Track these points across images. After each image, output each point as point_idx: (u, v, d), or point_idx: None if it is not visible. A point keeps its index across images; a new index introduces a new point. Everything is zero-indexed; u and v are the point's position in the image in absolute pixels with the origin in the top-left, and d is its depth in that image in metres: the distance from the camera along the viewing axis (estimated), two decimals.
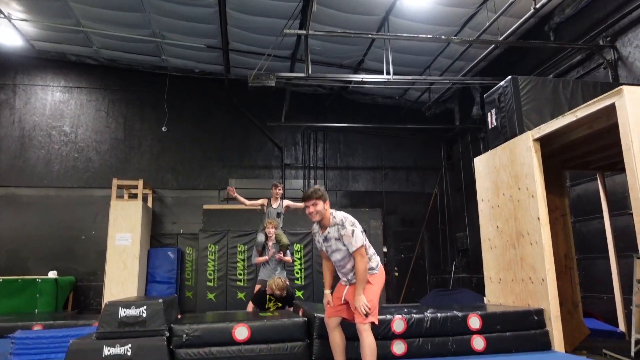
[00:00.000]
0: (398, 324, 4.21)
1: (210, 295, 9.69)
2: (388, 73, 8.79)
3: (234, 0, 8.38)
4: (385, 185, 12.22)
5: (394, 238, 11.68)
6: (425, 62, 10.40)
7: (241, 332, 4.04)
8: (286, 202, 7.28)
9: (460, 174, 11.63)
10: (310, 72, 8.35)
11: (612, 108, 3.90)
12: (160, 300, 4.07)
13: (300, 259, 10.05)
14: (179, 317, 5.29)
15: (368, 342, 3.40)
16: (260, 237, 6.84)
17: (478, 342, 4.30)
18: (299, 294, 9.88)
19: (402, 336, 4.21)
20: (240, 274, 9.85)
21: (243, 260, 9.93)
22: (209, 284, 9.76)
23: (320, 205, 3.52)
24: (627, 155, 3.72)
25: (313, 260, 9.76)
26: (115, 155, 11.29)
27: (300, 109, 11.71)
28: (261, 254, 6.85)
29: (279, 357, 4.05)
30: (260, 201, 7.34)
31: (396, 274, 11.29)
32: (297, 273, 9.99)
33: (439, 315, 4.31)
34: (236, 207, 10.84)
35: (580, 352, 5.11)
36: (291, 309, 6.30)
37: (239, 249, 9.97)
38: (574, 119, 4.30)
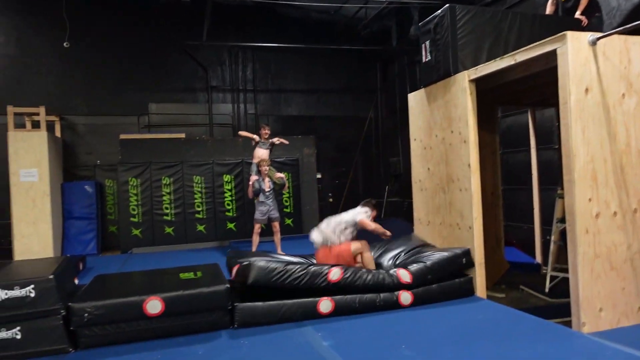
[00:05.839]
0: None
1: (136, 231, 9.17)
2: None
3: None
4: (319, 109, 11.68)
5: (328, 164, 11.45)
6: None
7: (154, 306, 3.66)
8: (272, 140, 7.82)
9: (395, 97, 11.30)
10: None
11: (552, 53, 3.57)
12: (51, 276, 3.54)
13: (230, 190, 9.64)
14: (76, 281, 4.79)
15: None
16: (258, 183, 7.00)
17: (405, 297, 4.23)
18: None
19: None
20: (166, 208, 9.32)
21: (169, 193, 9.35)
22: (133, 219, 9.18)
23: None
24: (564, 109, 3.47)
25: (244, 192, 9.36)
26: (8, 76, 9.71)
27: (225, 24, 10.48)
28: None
29: (196, 326, 3.77)
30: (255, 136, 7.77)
31: (330, 199, 11.24)
32: (228, 205, 9.63)
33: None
34: (156, 136, 9.98)
35: (500, 287, 5.35)
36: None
37: (164, 181, 9.33)
38: (512, 62, 3.95)
